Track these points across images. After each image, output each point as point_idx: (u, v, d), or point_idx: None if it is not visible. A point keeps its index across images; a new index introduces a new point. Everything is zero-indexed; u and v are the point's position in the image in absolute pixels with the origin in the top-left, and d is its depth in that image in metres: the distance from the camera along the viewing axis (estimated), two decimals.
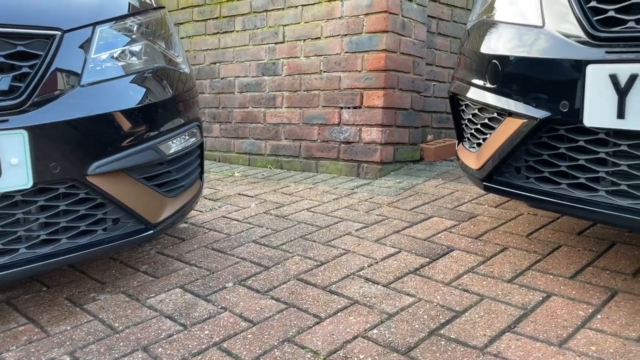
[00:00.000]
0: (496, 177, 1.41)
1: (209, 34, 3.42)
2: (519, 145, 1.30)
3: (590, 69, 1.09)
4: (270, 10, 3.05)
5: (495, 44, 1.35)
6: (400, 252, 1.64)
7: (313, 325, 1.21)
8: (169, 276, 1.56)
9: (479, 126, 1.51)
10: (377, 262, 1.57)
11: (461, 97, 1.55)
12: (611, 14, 1.09)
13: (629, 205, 1.11)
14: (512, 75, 1.28)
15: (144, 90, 1.40)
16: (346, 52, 2.73)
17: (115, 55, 1.37)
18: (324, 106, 2.85)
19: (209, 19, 3.40)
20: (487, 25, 1.45)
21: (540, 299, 1.30)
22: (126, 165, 1.31)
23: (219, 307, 1.34)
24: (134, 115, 1.34)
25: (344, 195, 2.38)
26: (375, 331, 1.18)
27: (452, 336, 1.15)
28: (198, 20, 3.47)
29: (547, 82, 1.18)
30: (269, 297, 1.38)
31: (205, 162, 3.48)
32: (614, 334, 1.12)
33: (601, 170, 1.16)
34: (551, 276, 1.42)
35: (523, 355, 1.06)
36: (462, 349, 1.10)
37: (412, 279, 1.45)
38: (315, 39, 2.86)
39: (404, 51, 2.70)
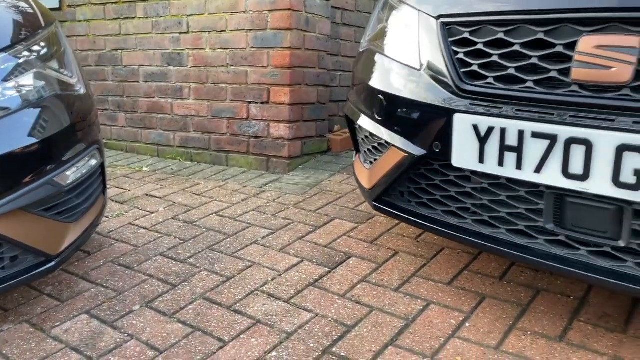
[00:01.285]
0: (384, 198, 1.55)
1: (109, 19, 3.27)
2: (402, 174, 1.43)
3: (456, 117, 1.22)
4: None
5: (380, 79, 1.46)
6: (302, 261, 1.76)
7: (217, 351, 1.31)
8: (74, 300, 1.58)
9: (370, 147, 1.63)
10: (280, 275, 1.68)
11: (354, 120, 1.66)
12: (475, 68, 1.22)
13: (489, 234, 1.29)
14: (394, 112, 1.40)
15: (36, 124, 1.38)
16: (252, 47, 2.75)
17: (2, 90, 1.33)
18: (232, 100, 2.87)
19: (108, 3, 3.24)
20: (375, 56, 1.55)
21: (421, 308, 1.47)
22: (20, 205, 1.31)
23: (126, 334, 1.39)
24: (27, 153, 1.33)
25: (253, 194, 2.45)
26: (274, 353, 1.29)
27: (342, 354, 1.29)
28: (96, 4, 3.30)
29: (423, 123, 1.31)
30: (175, 320, 1.45)
31: (112, 152, 3.40)
32: (478, 343, 1.31)
33: (468, 202, 1.32)
34: (432, 282, 1.60)
35: None
36: None
37: (311, 292, 1.57)
38: (221, 32, 2.84)
39: (309, 47, 2.76)
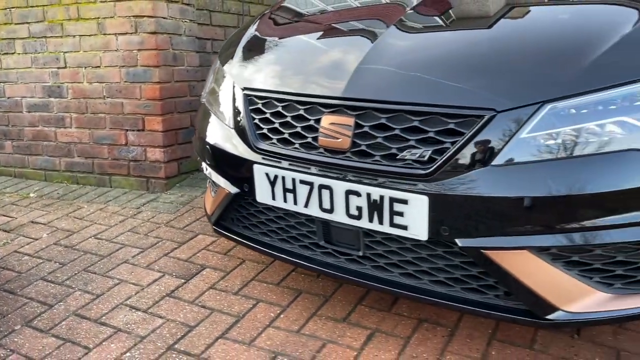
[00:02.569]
0: (221, 222, 1.97)
1: None
2: (227, 205, 1.85)
3: (255, 167, 1.66)
4: (49, 37, 3.20)
5: (209, 133, 1.87)
6: (164, 276, 2.15)
7: (82, 356, 1.68)
8: None
9: (211, 181, 2.04)
10: (143, 289, 2.06)
11: (198, 160, 2.06)
12: (265, 131, 1.66)
13: (289, 249, 1.75)
14: (218, 160, 1.82)
15: None
16: (125, 82, 3.06)
17: None
18: (111, 128, 3.17)
19: None
20: (207, 111, 1.95)
21: (251, 306, 1.92)
22: None
23: (8, 350, 1.72)
24: None
25: (131, 215, 2.79)
26: (128, 354, 1.68)
27: (182, 348, 1.70)
28: None
29: (236, 170, 1.74)
30: (50, 335, 1.79)
31: (2, 178, 3.57)
32: (285, 329, 1.77)
33: (273, 226, 1.77)
34: (265, 284, 2.05)
35: (223, 355, 1.66)
36: (185, 358, 1.66)
37: (166, 302, 1.97)
38: (96, 67, 3.12)
39: (179, 79, 3.12)
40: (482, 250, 1.33)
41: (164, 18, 2.96)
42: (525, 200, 1.26)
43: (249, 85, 1.75)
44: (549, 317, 1.34)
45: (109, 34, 3.03)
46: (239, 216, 1.88)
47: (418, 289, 1.50)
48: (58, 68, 3.23)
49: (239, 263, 2.23)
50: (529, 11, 1.62)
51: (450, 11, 1.72)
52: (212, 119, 1.90)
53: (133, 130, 3.11)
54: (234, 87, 1.81)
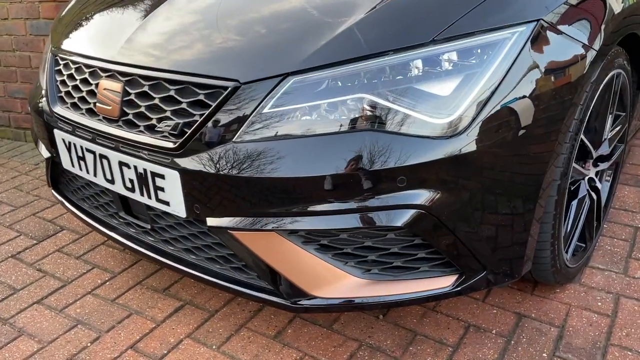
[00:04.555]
0: (59, 186, 1.92)
1: None
2: (50, 169, 1.80)
3: (56, 132, 1.59)
4: None
5: (32, 95, 1.80)
6: (19, 236, 2.14)
7: None
8: None
9: None
10: None
11: None
12: (62, 94, 1.58)
13: (102, 218, 1.70)
14: (34, 124, 1.75)
15: None
16: (30, 34, 2.98)
17: None
18: (22, 82, 3.12)
19: None
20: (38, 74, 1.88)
21: (85, 271, 1.89)
22: None
23: None
24: None
25: (26, 172, 2.78)
26: None
27: None
28: None
29: (44, 134, 1.67)
30: None
31: None
32: (102, 297, 1.75)
33: (86, 193, 1.71)
34: (111, 249, 2.02)
35: (29, 321, 1.65)
36: None
37: (7, 263, 1.96)
38: (4, 19, 3.04)
39: None
40: (229, 231, 1.25)
41: None
42: (266, 180, 1.17)
43: (55, 45, 1.66)
44: (299, 301, 1.27)
45: None
46: (64, 181, 1.83)
47: (197, 267, 1.44)
48: None
49: None
50: None
51: None
52: (37, 79, 1.82)
53: None
54: (50, 47, 1.73)
